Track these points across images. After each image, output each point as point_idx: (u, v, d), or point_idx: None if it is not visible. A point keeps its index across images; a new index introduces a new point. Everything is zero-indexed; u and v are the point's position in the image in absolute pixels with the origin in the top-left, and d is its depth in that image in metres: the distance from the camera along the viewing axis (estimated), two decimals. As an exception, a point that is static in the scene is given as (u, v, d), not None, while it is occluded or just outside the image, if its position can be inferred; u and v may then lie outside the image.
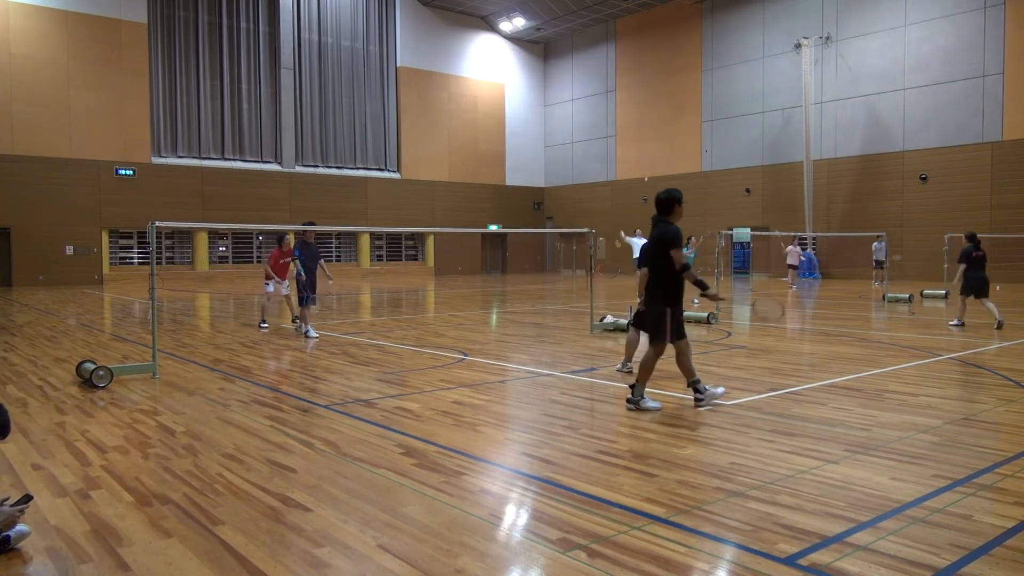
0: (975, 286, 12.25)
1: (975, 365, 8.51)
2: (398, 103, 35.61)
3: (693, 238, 18.75)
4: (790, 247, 25.55)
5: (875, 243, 23.51)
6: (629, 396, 6.21)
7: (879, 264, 23.06)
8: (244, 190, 31.12)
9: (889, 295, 17.49)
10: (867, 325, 13.16)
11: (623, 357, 8.12)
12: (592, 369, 8.40)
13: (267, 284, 13.05)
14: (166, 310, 17.31)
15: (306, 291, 11.68)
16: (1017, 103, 23.99)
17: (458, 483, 4.34)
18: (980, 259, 12.37)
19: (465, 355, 9.57)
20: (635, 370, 7.87)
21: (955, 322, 12.41)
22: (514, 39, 39.17)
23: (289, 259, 12.76)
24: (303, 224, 12.41)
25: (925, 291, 18.98)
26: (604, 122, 37.34)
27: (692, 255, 17.92)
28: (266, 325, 13.12)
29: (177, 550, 3.41)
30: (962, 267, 12.39)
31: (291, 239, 13.56)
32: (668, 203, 6.35)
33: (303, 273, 11.73)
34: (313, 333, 11.66)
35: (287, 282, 13.00)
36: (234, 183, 30.99)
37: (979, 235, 12.88)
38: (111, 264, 29.17)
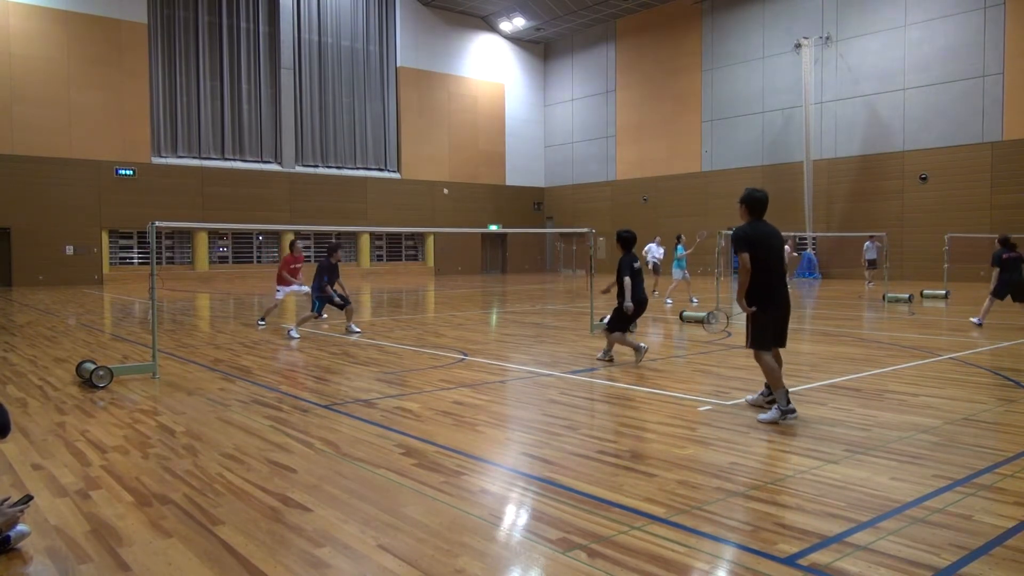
0: (1007, 289, 12.04)
1: (975, 365, 8.50)
2: (398, 103, 35.62)
3: (683, 236, 18.81)
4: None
5: (867, 243, 23.44)
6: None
7: (872, 264, 23.00)
8: (244, 190, 31.11)
9: (889, 295, 17.49)
10: (867, 325, 13.16)
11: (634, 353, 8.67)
12: (592, 369, 8.40)
13: (279, 290, 13.17)
14: (166, 310, 17.31)
15: (325, 302, 11.95)
16: (1017, 103, 23.99)
17: (458, 483, 4.34)
18: (1012, 261, 12.09)
19: (465, 355, 9.57)
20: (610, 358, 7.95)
21: (976, 319, 12.28)
22: (514, 39, 39.17)
23: (300, 265, 13.24)
24: (330, 244, 12.74)
25: (925, 291, 18.97)
26: (604, 122, 37.34)
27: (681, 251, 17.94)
28: (263, 323, 13.19)
29: (177, 550, 3.41)
30: (995, 271, 12.22)
31: (299, 245, 13.83)
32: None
33: (321, 288, 11.96)
34: (295, 334, 11.77)
35: (299, 282, 13.12)
36: (234, 183, 30.99)
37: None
38: (111, 264, 29.17)
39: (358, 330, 12.21)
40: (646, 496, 4.05)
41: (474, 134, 38.20)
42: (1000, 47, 24.24)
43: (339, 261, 12.44)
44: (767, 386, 6.07)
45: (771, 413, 5.71)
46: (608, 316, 12.46)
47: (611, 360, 8.81)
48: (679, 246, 17.93)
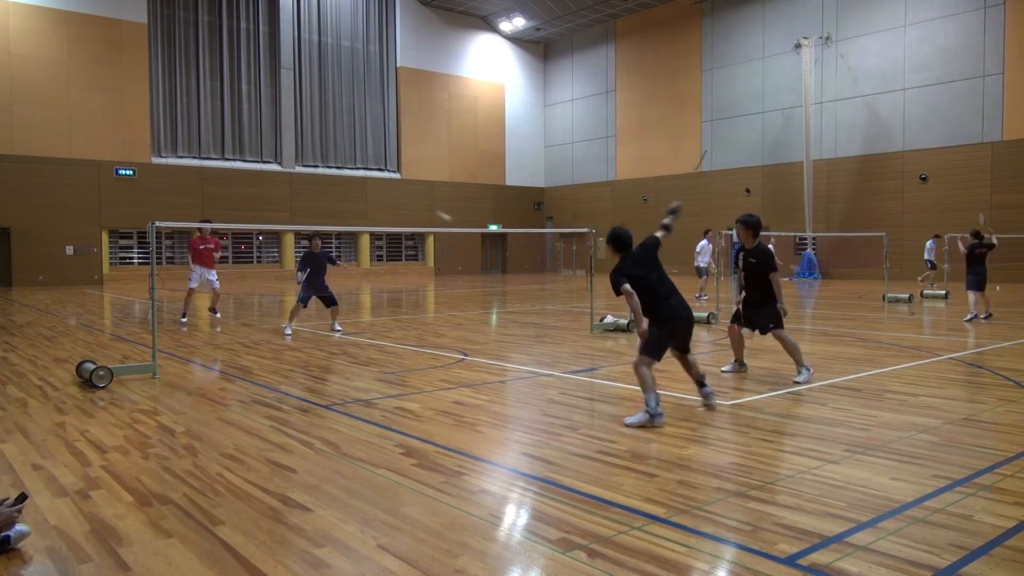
0: (982, 279, 13.17)
1: (975, 365, 8.51)
2: (398, 103, 35.62)
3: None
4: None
5: (928, 242, 22.63)
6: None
7: (933, 265, 22.04)
8: (244, 190, 31.12)
9: (889, 295, 17.48)
10: (867, 325, 13.15)
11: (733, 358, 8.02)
12: (592, 369, 8.40)
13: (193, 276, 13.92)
14: (166, 310, 17.30)
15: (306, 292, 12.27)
16: (1017, 103, 24.00)
17: (458, 483, 4.34)
18: (982, 255, 13.26)
19: (465, 355, 9.57)
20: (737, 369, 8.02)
21: (982, 317, 13.07)
22: (514, 39, 39.17)
23: (211, 246, 13.77)
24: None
25: (925, 291, 18.97)
26: (604, 122, 37.34)
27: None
28: (185, 320, 13.81)
29: (177, 550, 3.41)
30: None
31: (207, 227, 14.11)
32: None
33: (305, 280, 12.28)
34: (288, 331, 12.18)
35: (213, 272, 13.95)
36: (234, 183, 30.99)
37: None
38: (111, 264, 29.17)
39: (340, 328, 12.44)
40: (646, 496, 4.05)
41: (474, 134, 38.20)
42: (1000, 47, 24.24)
43: (318, 250, 12.35)
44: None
45: (639, 416, 5.69)
46: (607, 316, 12.49)
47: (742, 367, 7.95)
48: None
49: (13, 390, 7.41)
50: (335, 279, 30.64)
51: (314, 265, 12.14)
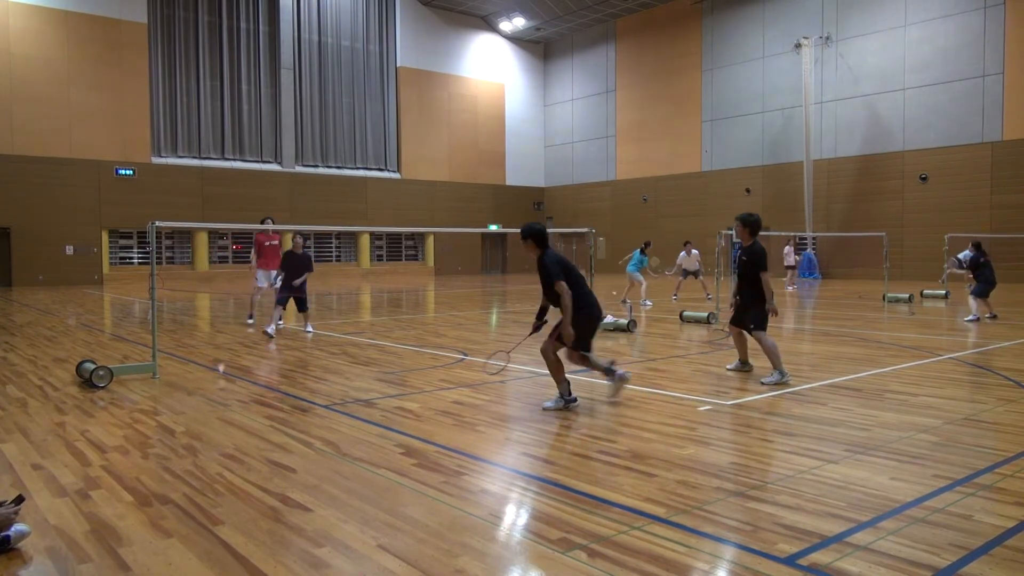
0: (990, 288, 13.32)
1: (975, 365, 8.51)
2: (398, 103, 35.62)
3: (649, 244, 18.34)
4: (787, 247, 25.48)
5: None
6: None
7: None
8: (244, 190, 31.12)
9: (889, 295, 17.47)
10: (867, 325, 13.16)
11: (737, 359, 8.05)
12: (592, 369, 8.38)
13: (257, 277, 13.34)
14: (166, 310, 17.31)
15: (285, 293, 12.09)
16: (1017, 103, 23.99)
17: (458, 483, 4.34)
18: (988, 264, 13.56)
19: (465, 355, 9.57)
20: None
21: (988, 316, 13.23)
22: (514, 39, 39.17)
23: (276, 243, 13.33)
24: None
25: (925, 291, 18.97)
26: (604, 122, 37.34)
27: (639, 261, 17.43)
28: (252, 320, 13.41)
29: (177, 550, 3.41)
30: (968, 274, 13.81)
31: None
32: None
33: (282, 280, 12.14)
34: (271, 330, 11.83)
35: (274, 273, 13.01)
36: (234, 183, 30.99)
37: (980, 235, 13.41)
38: (111, 264, 29.17)
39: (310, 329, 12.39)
40: (646, 496, 4.05)
41: (474, 134, 38.21)
42: (1000, 47, 24.24)
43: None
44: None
45: (555, 401, 6.30)
46: (607, 316, 12.46)
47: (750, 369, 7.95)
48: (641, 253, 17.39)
49: (13, 390, 7.41)
50: (335, 277, 30.60)
51: (292, 264, 11.91)
